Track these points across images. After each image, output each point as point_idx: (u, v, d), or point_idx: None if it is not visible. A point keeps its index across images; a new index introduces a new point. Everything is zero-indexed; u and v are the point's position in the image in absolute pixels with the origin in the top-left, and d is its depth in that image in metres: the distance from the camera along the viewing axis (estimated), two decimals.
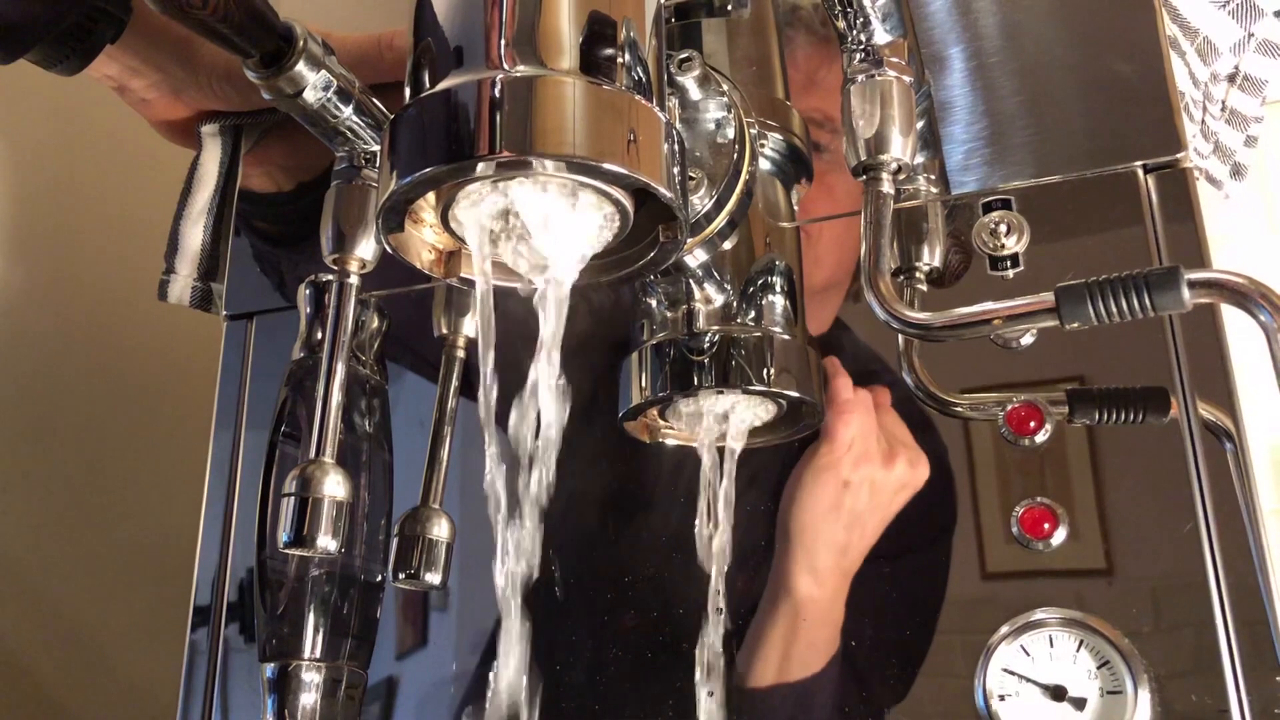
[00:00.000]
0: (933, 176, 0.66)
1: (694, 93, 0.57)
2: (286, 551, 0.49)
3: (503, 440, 0.45)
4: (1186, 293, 0.47)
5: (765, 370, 0.58)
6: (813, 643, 0.60)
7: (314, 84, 0.50)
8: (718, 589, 0.58)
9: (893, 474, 0.61)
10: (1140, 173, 0.63)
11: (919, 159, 0.65)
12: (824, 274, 0.65)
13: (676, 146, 0.44)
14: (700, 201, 0.55)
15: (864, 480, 0.61)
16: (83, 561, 1.02)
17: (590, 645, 0.65)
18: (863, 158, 0.55)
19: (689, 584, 0.59)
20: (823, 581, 0.61)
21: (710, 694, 0.59)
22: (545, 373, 0.44)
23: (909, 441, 0.61)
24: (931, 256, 0.64)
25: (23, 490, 0.98)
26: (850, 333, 0.66)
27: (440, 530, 0.59)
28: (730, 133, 0.56)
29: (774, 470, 0.64)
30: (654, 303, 0.61)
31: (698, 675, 0.58)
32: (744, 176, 0.56)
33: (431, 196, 0.45)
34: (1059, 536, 0.58)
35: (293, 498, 0.48)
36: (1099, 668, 0.55)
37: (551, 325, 0.44)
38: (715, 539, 0.58)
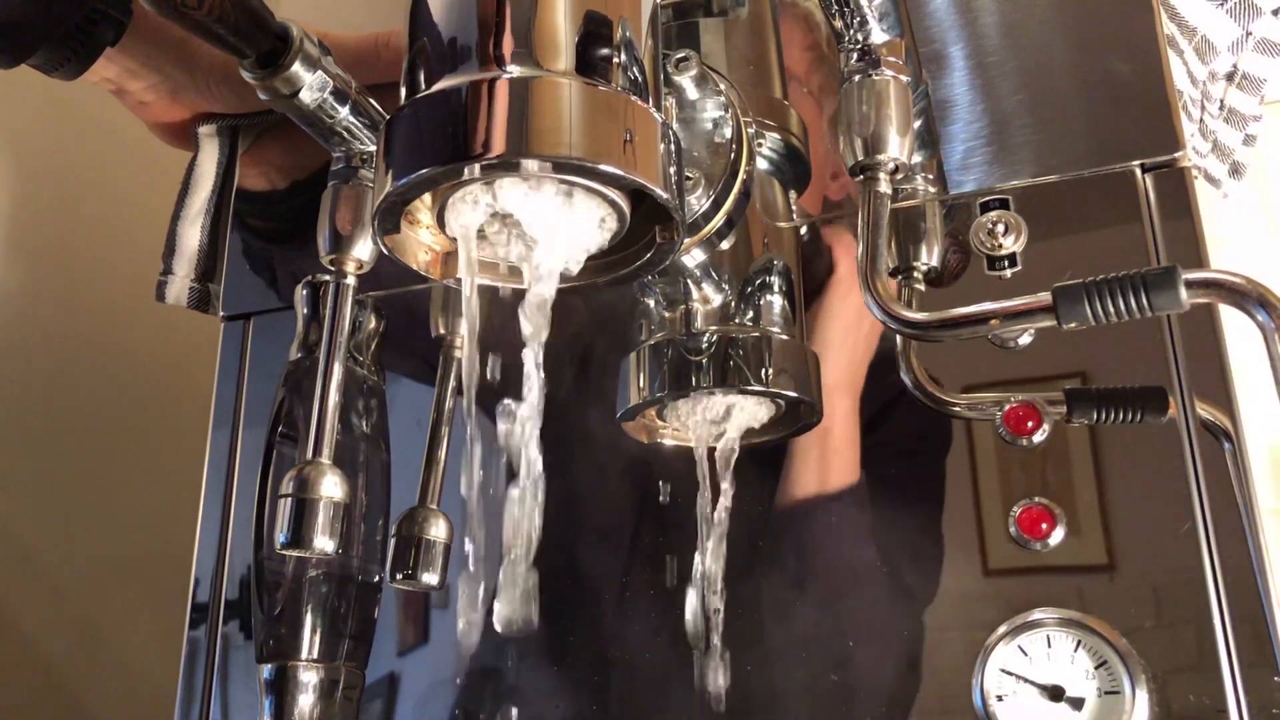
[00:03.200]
0: (931, 176, 0.66)
1: (691, 92, 0.57)
2: (284, 552, 0.49)
3: (495, 439, 0.45)
4: (1184, 293, 0.47)
5: (764, 370, 0.58)
6: (843, 464, 0.63)
7: (310, 84, 0.50)
8: (715, 589, 0.58)
9: None
10: (1138, 172, 0.62)
11: (917, 158, 0.65)
12: None
13: (673, 146, 0.44)
14: (698, 201, 0.55)
15: None
16: (85, 559, 1.02)
17: (588, 645, 0.65)
18: (860, 157, 0.55)
19: (687, 584, 0.59)
20: (844, 393, 0.64)
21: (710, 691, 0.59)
22: (530, 373, 0.44)
23: None
24: (929, 256, 0.64)
25: (24, 490, 0.98)
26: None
27: (438, 530, 0.59)
28: (728, 132, 0.56)
29: (774, 465, 0.64)
30: (652, 303, 0.61)
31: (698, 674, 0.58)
32: (741, 176, 0.56)
33: (428, 197, 0.45)
34: (1057, 536, 0.58)
35: (290, 498, 0.48)
36: (1097, 667, 0.55)
37: (538, 325, 0.44)
38: (713, 538, 0.58)
